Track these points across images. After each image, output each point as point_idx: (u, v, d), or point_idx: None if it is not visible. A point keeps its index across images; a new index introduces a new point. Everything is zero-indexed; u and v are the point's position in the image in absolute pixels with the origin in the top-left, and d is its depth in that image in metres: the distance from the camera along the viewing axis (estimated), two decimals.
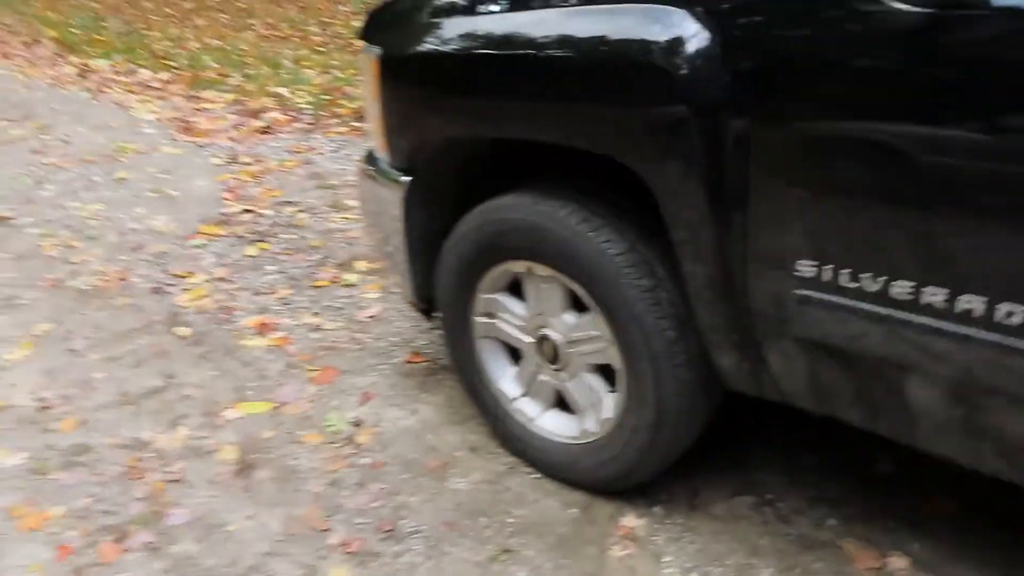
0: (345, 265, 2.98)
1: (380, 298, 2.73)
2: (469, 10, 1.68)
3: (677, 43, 1.28)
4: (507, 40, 1.57)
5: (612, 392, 1.67)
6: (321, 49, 6.60)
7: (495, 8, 1.64)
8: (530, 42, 1.51)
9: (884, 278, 1.19)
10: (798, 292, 1.28)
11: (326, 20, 7.63)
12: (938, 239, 1.13)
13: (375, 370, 2.33)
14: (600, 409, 1.70)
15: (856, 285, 1.22)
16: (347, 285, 2.84)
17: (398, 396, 2.21)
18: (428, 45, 1.72)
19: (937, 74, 1.08)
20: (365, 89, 1.91)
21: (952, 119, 1.08)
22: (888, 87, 1.12)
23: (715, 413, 1.65)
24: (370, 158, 2.00)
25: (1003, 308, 1.09)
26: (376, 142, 1.92)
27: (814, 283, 1.26)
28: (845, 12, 1.12)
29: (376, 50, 1.80)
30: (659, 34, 1.30)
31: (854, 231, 1.20)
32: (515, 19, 1.59)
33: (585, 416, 1.74)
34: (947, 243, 1.12)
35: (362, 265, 2.95)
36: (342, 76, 5.54)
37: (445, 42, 1.69)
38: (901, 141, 1.12)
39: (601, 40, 1.40)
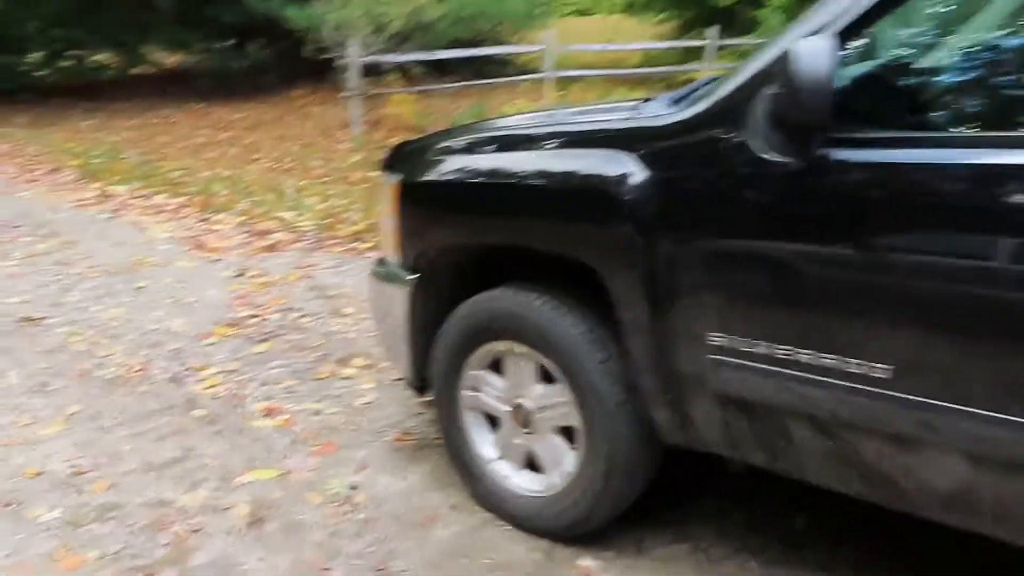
0: (343, 361, 3.35)
1: (374, 388, 3.09)
2: (466, 151, 2.17)
3: (624, 177, 1.74)
4: (496, 172, 2.05)
5: (573, 449, 2.03)
6: (321, 180, 7.21)
7: (487, 149, 2.13)
8: (515, 174, 2.00)
9: (770, 343, 1.61)
10: (711, 357, 1.69)
11: (326, 156, 8.30)
12: (802, 315, 1.56)
13: (370, 446, 2.67)
14: (562, 464, 2.05)
15: (751, 350, 1.63)
16: (345, 378, 3.20)
17: (390, 466, 2.54)
18: (435, 175, 2.20)
19: (799, 206, 1.54)
20: (384, 206, 2.38)
21: (807, 237, 1.53)
22: (762, 213, 1.58)
23: (656, 465, 2.00)
24: (381, 262, 2.45)
25: (852, 362, 1.51)
26: (388, 248, 2.37)
27: (722, 350, 1.67)
28: (734, 159, 1.60)
29: (396, 177, 2.29)
30: (613, 170, 1.77)
31: (748, 310, 1.63)
32: (503, 157, 2.07)
33: (550, 471, 2.09)
34: (808, 318, 1.55)
35: (359, 361, 3.33)
36: (340, 204, 6.08)
37: (446, 173, 2.18)
38: (775, 250, 1.57)
39: (572, 173, 1.87)
